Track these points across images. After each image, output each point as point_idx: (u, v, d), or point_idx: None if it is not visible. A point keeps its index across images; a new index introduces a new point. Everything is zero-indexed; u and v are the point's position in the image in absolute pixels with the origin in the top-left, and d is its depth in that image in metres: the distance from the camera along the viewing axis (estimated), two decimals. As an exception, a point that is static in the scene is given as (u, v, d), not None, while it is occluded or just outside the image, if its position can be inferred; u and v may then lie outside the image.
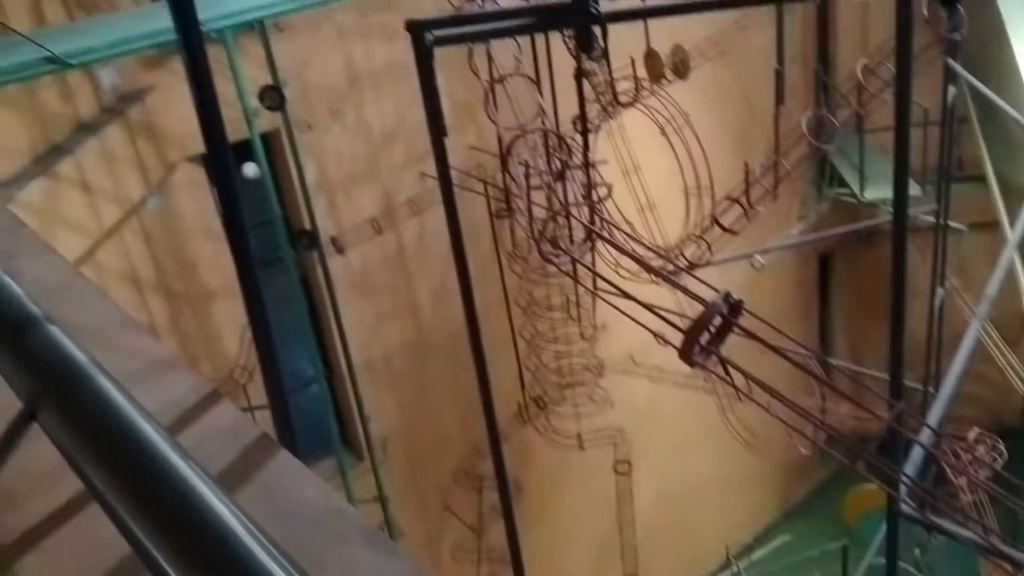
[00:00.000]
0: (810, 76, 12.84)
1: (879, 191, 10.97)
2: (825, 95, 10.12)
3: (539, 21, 2.89)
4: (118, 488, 1.05)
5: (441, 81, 8.32)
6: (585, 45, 2.71)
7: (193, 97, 3.07)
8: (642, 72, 7.74)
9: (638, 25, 7.04)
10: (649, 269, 3.14)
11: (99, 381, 1.18)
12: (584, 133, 5.36)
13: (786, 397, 3.08)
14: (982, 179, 9.07)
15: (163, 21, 4.61)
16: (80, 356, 1.24)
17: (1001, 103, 7.51)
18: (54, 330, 1.31)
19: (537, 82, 7.03)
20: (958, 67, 6.81)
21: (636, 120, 7.69)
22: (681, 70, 8.23)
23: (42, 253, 2.30)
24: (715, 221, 5.58)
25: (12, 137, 5.92)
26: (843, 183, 12.12)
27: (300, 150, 7.85)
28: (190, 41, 3.36)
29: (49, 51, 4.50)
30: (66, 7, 6.52)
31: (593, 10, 2.47)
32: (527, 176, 2.79)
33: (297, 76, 7.85)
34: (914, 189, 11.26)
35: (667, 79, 7.96)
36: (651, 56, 7.96)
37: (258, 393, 6.57)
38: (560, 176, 2.76)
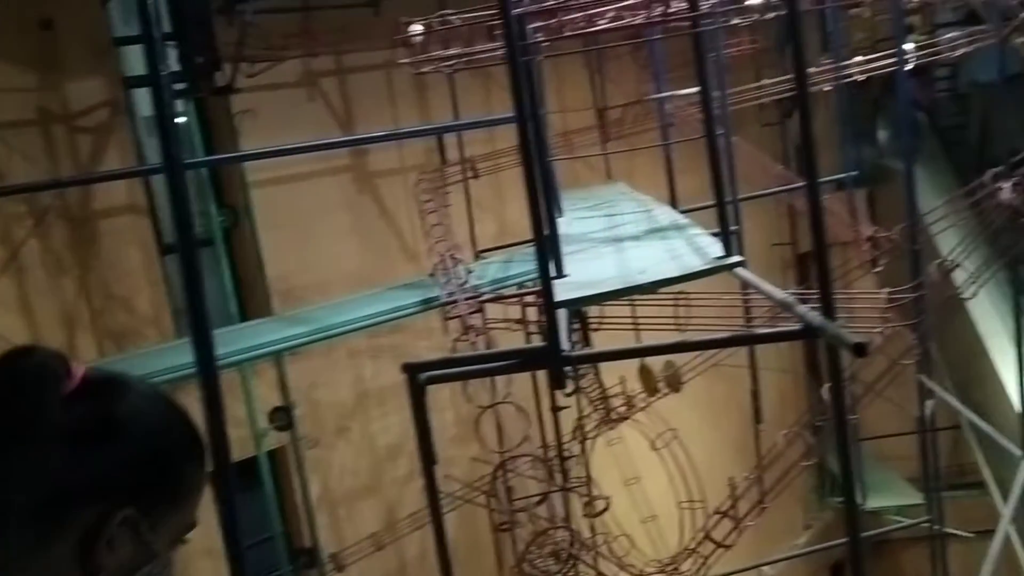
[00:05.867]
0: (803, 385, 13.27)
1: (881, 499, 10.98)
2: (819, 405, 10.43)
3: (519, 363, 3.27)
4: None
5: (446, 396, 8.72)
6: (558, 383, 3.06)
7: (206, 425, 3.37)
8: (639, 386, 8.14)
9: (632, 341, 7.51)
10: (634, 588, 3.24)
11: None
12: (562, 459, 5.63)
13: None
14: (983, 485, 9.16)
15: (184, 356, 5.03)
16: None
17: (969, 414, 7.80)
18: None
19: (537, 406, 7.38)
20: (931, 383, 7.18)
21: (639, 432, 7.95)
22: (674, 384, 8.64)
23: None
24: (707, 535, 5.68)
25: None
26: (845, 491, 12.13)
27: (305, 466, 8.06)
28: (207, 377, 3.72)
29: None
30: (98, 344, 7.03)
31: (565, 354, 2.85)
32: (510, 499, 2.98)
33: (307, 395, 8.24)
34: (916, 497, 11.28)
35: (662, 393, 8.35)
36: (644, 371, 8.40)
37: None
38: (542, 500, 2.96)
